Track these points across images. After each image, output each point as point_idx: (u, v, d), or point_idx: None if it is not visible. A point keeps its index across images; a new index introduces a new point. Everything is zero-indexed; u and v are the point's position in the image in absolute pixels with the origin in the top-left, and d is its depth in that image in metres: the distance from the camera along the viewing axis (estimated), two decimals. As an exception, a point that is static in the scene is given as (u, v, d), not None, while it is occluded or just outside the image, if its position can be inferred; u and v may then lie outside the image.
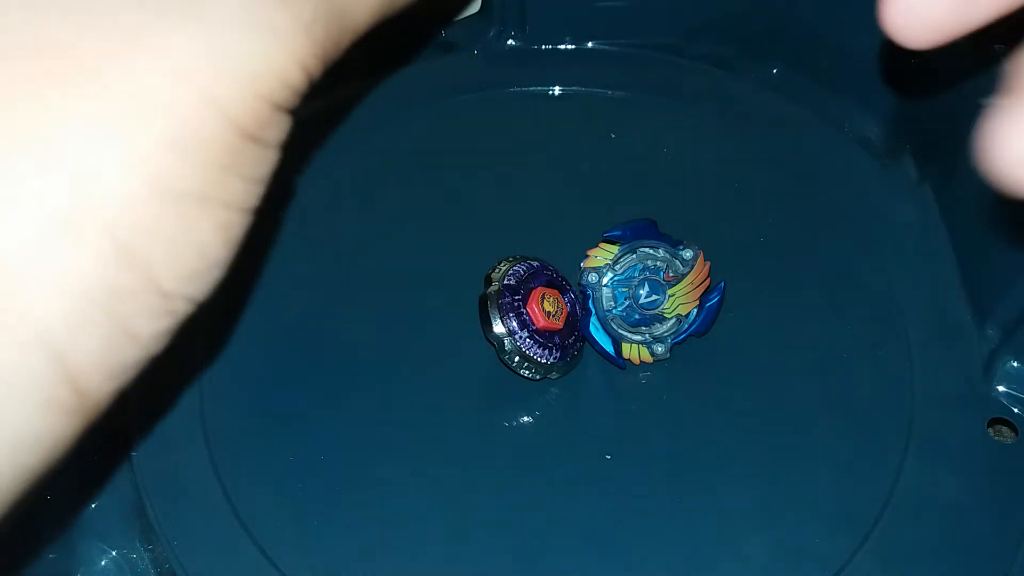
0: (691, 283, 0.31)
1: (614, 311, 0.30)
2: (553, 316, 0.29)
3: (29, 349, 0.12)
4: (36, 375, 0.12)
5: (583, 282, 0.30)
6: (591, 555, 0.27)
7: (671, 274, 0.30)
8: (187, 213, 0.13)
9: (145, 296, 0.13)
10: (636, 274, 0.30)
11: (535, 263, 0.31)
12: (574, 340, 0.30)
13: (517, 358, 0.29)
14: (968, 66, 0.33)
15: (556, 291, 0.30)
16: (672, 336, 0.31)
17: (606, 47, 0.41)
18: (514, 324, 0.29)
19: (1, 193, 0.12)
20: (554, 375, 0.30)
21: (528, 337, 0.29)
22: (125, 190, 0.12)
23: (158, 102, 0.12)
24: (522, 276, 0.30)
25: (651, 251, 0.30)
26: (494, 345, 0.29)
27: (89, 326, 0.12)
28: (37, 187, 0.12)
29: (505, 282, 0.29)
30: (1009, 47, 0.17)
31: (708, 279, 0.31)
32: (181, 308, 0.13)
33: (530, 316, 0.29)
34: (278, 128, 0.14)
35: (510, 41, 0.41)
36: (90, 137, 0.12)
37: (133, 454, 0.29)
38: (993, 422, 0.30)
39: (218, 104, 0.13)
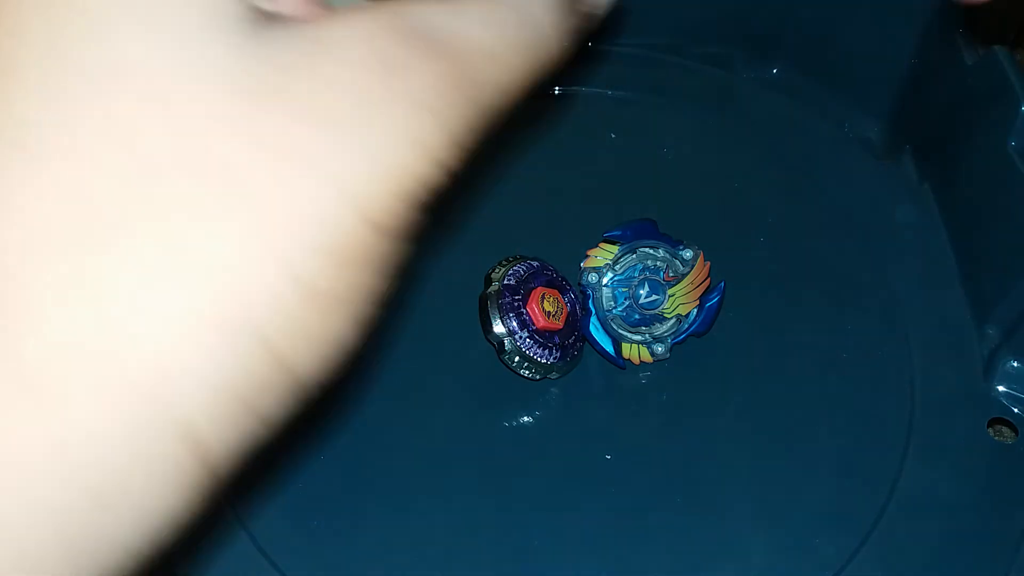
0: (691, 283, 0.31)
1: (614, 311, 0.30)
2: (553, 316, 0.29)
3: (173, 440, 0.13)
4: (176, 462, 0.13)
5: (583, 282, 0.30)
6: (591, 555, 0.27)
7: (671, 274, 0.30)
8: (326, 309, 0.14)
9: (278, 386, 0.14)
10: (636, 274, 0.30)
11: (535, 263, 0.31)
12: (574, 340, 0.30)
13: (517, 358, 0.29)
14: (968, 66, 0.33)
15: (556, 291, 0.30)
16: (672, 336, 0.31)
17: (606, 47, 0.41)
18: (514, 324, 0.29)
19: (162, 296, 0.13)
20: (554, 375, 0.30)
21: (528, 337, 0.29)
22: (272, 292, 0.13)
23: (304, 208, 0.13)
24: (522, 276, 0.30)
25: (651, 251, 0.30)
26: (494, 345, 0.29)
27: (228, 416, 0.13)
28: (194, 291, 0.13)
29: (505, 282, 0.29)
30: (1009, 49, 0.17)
31: (708, 279, 0.31)
32: (306, 391, 0.15)
33: (530, 316, 0.29)
34: (411, 221, 0.15)
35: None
36: (245, 246, 0.13)
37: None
38: (993, 422, 0.30)
39: (359, 207, 0.14)
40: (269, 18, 0.15)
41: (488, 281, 0.30)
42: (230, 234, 0.13)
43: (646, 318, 0.30)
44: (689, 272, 0.30)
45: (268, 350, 0.13)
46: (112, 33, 0.13)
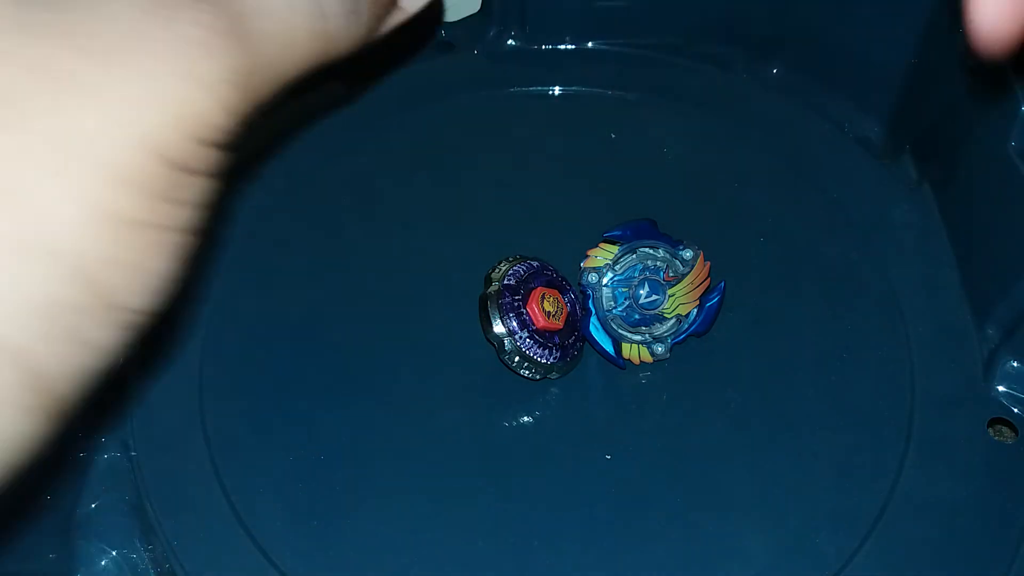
0: (691, 283, 0.31)
1: (614, 311, 0.30)
2: (553, 316, 0.29)
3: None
4: (5, 382, 0.14)
5: (583, 282, 0.30)
6: (591, 555, 0.27)
7: (671, 274, 0.30)
8: (128, 236, 0.15)
9: (96, 310, 0.15)
10: (636, 274, 0.30)
11: (535, 263, 0.31)
12: (574, 340, 0.30)
13: (517, 358, 0.29)
14: (968, 66, 0.33)
15: (556, 291, 0.30)
16: (672, 336, 0.31)
17: (606, 47, 0.41)
18: (514, 324, 0.29)
19: None
20: (554, 375, 0.30)
21: (528, 337, 0.29)
22: (70, 219, 0.14)
23: (97, 143, 0.14)
24: (522, 276, 0.30)
25: (651, 251, 0.30)
26: (494, 345, 0.29)
27: (47, 338, 0.14)
28: None
29: (505, 282, 0.29)
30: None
31: (708, 279, 0.31)
32: (133, 319, 0.15)
33: (530, 316, 0.29)
34: (208, 160, 0.16)
35: (510, 41, 0.41)
36: (38, 174, 0.14)
37: (133, 454, 0.29)
38: (993, 422, 0.30)
39: (149, 143, 0.15)
40: None
41: (488, 281, 0.30)
42: (21, 161, 0.14)
43: (646, 318, 0.30)
44: (689, 272, 0.30)
45: (74, 274, 0.14)
46: None
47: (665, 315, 0.30)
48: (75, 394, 0.15)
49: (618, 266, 0.30)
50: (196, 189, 0.16)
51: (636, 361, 0.30)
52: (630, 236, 0.30)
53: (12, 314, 0.13)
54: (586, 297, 0.30)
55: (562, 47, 0.41)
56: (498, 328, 0.29)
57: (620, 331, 0.30)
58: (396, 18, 0.22)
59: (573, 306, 0.31)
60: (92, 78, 0.14)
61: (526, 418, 0.30)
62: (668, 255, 0.30)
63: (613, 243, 0.30)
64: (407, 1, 0.22)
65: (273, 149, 0.34)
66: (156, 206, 0.15)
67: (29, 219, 0.14)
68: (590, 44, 0.41)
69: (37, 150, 0.14)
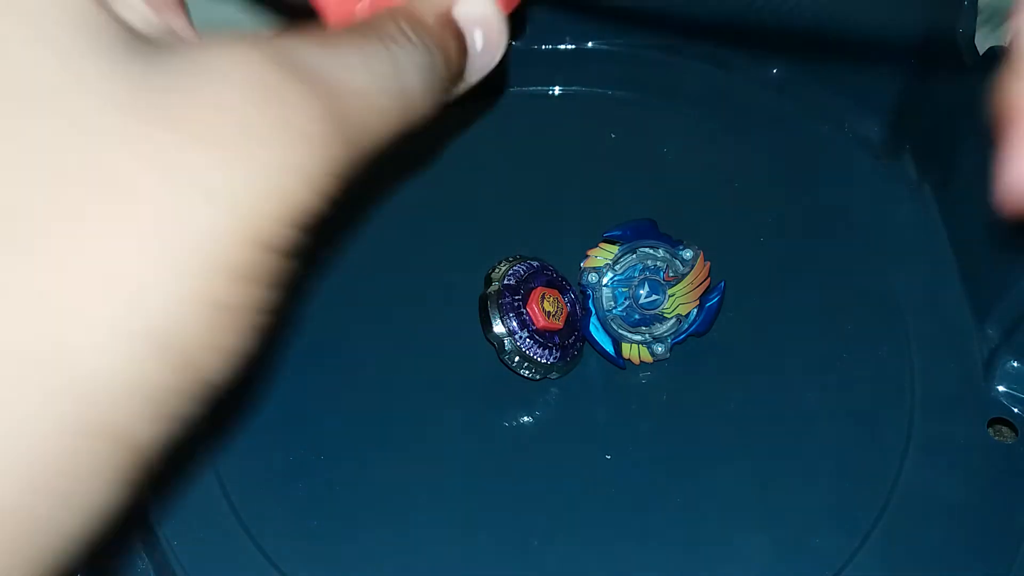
0: (691, 283, 0.31)
1: (614, 311, 0.30)
2: (553, 316, 0.29)
3: (97, 437, 0.14)
4: (100, 455, 0.14)
5: (583, 282, 0.30)
6: (591, 555, 0.27)
7: (671, 274, 0.30)
8: (216, 319, 0.15)
9: (189, 390, 0.15)
10: (636, 274, 0.30)
11: (535, 263, 0.31)
12: (574, 340, 0.30)
13: (517, 358, 0.29)
14: (968, 66, 0.33)
15: (556, 291, 0.30)
16: (672, 336, 0.31)
17: (606, 47, 0.41)
18: (514, 324, 0.29)
19: (73, 309, 0.14)
20: (554, 375, 0.30)
21: (528, 337, 0.29)
22: (173, 307, 0.14)
23: (198, 230, 0.14)
24: (522, 276, 0.30)
25: (651, 251, 0.30)
26: (494, 345, 0.29)
27: (145, 415, 0.15)
28: (100, 304, 0.14)
29: (505, 282, 0.29)
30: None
31: (708, 279, 0.31)
32: (207, 391, 0.16)
33: (530, 316, 0.29)
34: (296, 242, 0.17)
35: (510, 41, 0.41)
36: (142, 260, 0.14)
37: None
38: (993, 422, 0.30)
39: (249, 231, 0.15)
40: (146, 40, 0.15)
41: (488, 281, 0.30)
42: (127, 243, 0.14)
43: (646, 318, 0.30)
44: (689, 272, 0.30)
45: (170, 355, 0.14)
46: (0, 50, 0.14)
47: (665, 315, 0.30)
48: (154, 459, 0.16)
49: (618, 266, 0.30)
50: (281, 269, 0.16)
51: (636, 361, 0.30)
52: (630, 236, 0.30)
53: (120, 398, 0.14)
54: (586, 297, 0.30)
55: (562, 47, 0.41)
56: (498, 328, 0.29)
57: (620, 331, 0.30)
58: (460, 88, 0.23)
59: (573, 306, 0.31)
60: (196, 164, 0.14)
61: (526, 418, 0.30)
62: (668, 255, 0.30)
63: (613, 243, 0.30)
64: (471, 74, 0.24)
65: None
66: (248, 289, 0.15)
67: (135, 305, 0.14)
68: (590, 44, 0.41)
69: (140, 232, 0.14)
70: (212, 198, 0.14)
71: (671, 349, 0.31)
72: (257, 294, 0.16)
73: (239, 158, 0.15)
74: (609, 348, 0.30)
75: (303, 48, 0.16)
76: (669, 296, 0.30)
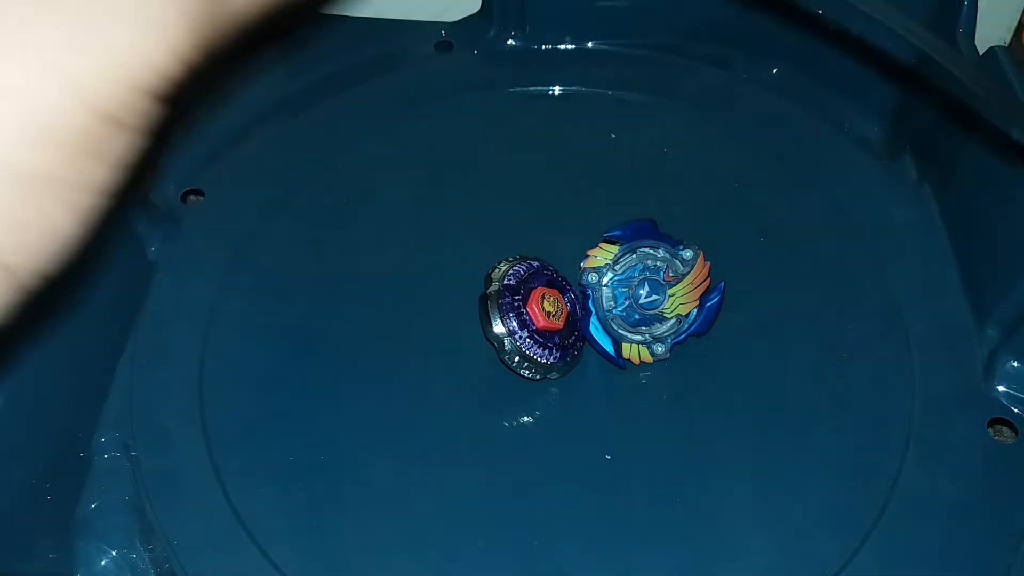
0: (691, 283, 0.31)
1: (614, 311, 0.30)
2: (553, 316, 0.29)
3: None
4: None
5: (583, 282, 0.30)
6: (591, 555, 0.27)
7: (671, 274, 0.30)
8: (37, 195, 0.13)
9: None
10: (636, 274, 0.30)
11: (535, 263, 0.31)
12: (574, 340, 0.30)
13: (517, 358, 0.29)
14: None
15: (556, 291, 0.30)
16: (672, 336, 0.31)
17: (606, 47, 0.41)
18: (514, 324, 0.29)
19: None
20: (554, 375, 0.30)
21: (528, 337, 0.29)
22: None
23: (16, 91, 0.13)
24: (522, 276, 0.30)
25: (651, 251, 0.30)
26: (494, 345, 0.29)
27: None
28: None
29: (505, 282, 0.29)
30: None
31: (708, 279, 0.31)
32: (28, 282, 0.14)
33: (530, 316, 0.29)
34: (146, 114, 0.15)
35: (510, 41, 0.41)
36: None
37: (133, 454, 0.29)
38: (993, 422, 0.30)
39: (80, 92, 0.13)
40: None
41: (488, 281, 0.30)
42: None
43: (646, 318, 0.30)
44: (689, 272, 0.30)
45: None
46: None
47: (665, 315, 0.30)
48: None
49: (618, 266, 0.30)
50: (126, 145, 0.15)
51: (636, 361, 0.30)
52: (630, 236, 0.30)
53: None
54: (586, 297, 0.30)
55: (562, 47, 0.41)
56: (498, 328, 0.29)
57: (620, 331, 0.30)
58: None
59: (573, 306, 0.31)
60: (26, 18, 0.13)
61: (526, 418, 0.30)
62: (668, 255, 0.30)
63: (613, 243, 0.30)
64: None
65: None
66: (75, 163, 0.14)
67: None
68: (590, 44, 0.41)
69: None
70: (46, 70, 0.13)
71: (671, 349, 0.31)
72: (91, 169, 0.14)
73: (84, 19, 0.14)
74: (609, 348, 0.30)
75: None
76: (669, 296, 0.30)
